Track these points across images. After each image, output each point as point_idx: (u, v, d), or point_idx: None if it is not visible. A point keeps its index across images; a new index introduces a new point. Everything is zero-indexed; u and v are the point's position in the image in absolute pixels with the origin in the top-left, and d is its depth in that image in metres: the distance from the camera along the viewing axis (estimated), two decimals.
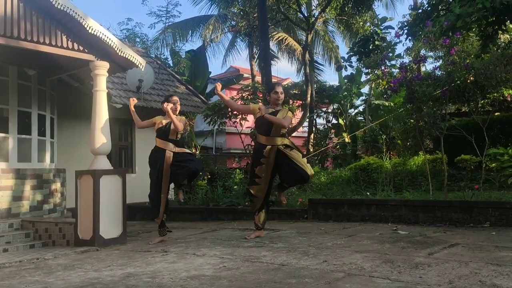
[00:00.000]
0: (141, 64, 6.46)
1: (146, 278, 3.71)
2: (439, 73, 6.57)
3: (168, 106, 5.69)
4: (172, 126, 5.69)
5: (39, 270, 4.35)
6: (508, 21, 8.25)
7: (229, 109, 9.08)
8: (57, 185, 7.41)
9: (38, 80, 7.27)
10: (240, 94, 9.60)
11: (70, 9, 5.57)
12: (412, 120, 7.30)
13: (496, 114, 10.67)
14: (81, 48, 6.00)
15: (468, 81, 6.30)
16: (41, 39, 5.63)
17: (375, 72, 7.75)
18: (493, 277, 3.18)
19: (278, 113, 5.34)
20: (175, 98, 5.87)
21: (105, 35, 5.89)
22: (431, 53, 8.96)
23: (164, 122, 5.76)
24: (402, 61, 7.12)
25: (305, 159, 5.41)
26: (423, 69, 11.08)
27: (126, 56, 6.20)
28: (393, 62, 9.53)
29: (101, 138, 6.07)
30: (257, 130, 5.56)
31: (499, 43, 9.41)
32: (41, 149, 7.30)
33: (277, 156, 5.27)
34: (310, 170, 5.29)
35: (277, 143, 5.27)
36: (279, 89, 5.47)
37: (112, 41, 5.98)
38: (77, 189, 5.95)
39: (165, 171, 5.63)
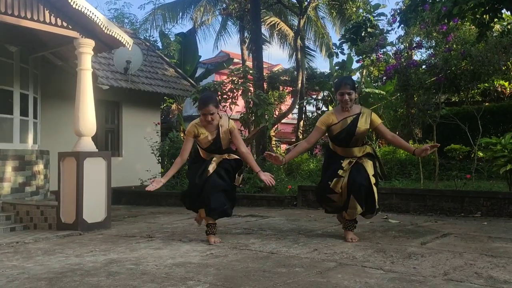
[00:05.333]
0: (128, 43, 6.21)
1: (130, 264, 3.56)
2: (435, 60, 6.45)
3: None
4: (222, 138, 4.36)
5: (18, 255, 4.17)
6: (504, 9, 8.14)
7: (218, 93, 8.88)
8: (40, 167, 7.18)
9: (21, 58, 6.98)
10: (230, 78, 9.38)
11: None
12: (402, 110, 7.19)
13: (486, 104, 10.65)
14: (64, 24, 5.73)
15: (464, 68, 6.19)
16: (23, 13, 5.35)
17: (370, 57, 7.58)
18: (489, 269, 3.09)
19: (358, 119, 4.18)
20: (207, 108, 4.21)
21: (90, 11, 5.62)
22: (424, 42, 8.82)
23: (210, 135, 4.34)
24: (398, 47, 6.98)
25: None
26: (415, 57, 10.96)
27: (112, 34, 5.95)
28: (385, 49, 9.39)
29: (86, 119, 5.85)
30: (332, 139, 4.37)
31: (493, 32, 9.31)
32: (24, 129, 7.04)
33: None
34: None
35: (356, 155, 4.23)
36: (345, 89, 4.08)
37: (97, 17, 5.71)
38: (60, 172, 5.74)
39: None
